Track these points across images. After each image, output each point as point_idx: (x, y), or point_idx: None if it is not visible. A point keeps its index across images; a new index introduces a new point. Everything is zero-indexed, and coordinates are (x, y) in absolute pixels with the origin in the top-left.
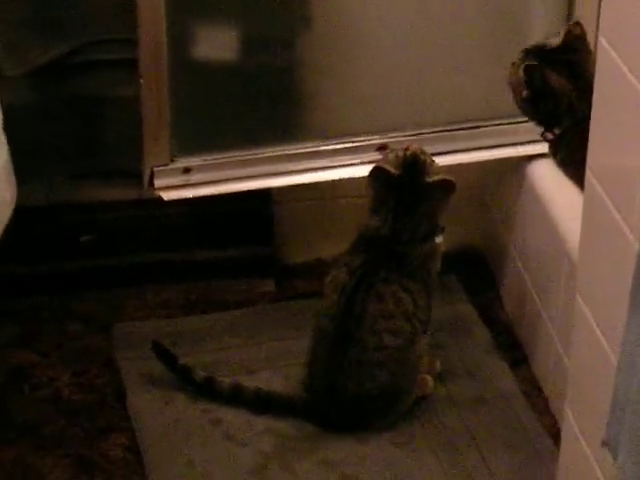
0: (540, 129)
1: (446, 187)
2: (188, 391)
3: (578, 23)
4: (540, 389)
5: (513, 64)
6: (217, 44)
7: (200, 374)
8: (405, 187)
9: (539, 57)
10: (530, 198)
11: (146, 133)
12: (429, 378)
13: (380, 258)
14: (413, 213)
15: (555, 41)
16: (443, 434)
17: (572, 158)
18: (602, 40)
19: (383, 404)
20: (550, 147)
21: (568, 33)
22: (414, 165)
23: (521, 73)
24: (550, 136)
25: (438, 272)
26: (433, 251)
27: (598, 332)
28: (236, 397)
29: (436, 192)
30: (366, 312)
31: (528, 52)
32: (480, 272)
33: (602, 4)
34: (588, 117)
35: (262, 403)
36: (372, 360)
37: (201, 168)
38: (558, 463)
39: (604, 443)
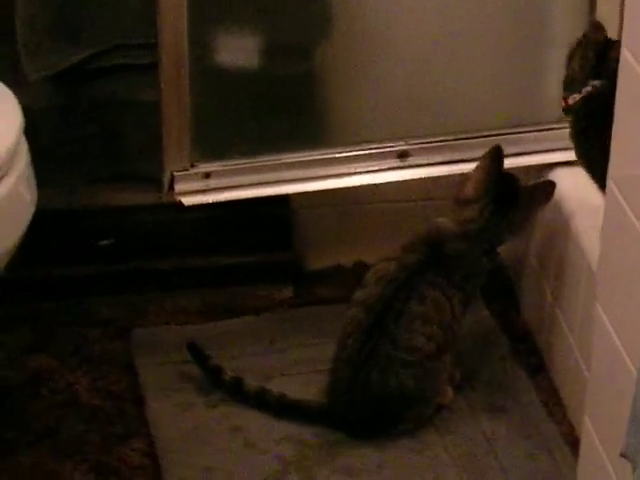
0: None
1: (546, 189)
2: (207, 397)
3: None
4: (559, 397)
5: None
6: (238, 50)
7: (229, 375)
8: (506, 184)
9: None
10: (551, 206)
11: (166, 138)
12: (449, 388)
13: (432, 261)
14: (508, 212)
15: None
16: (461, 442)
17: (585, 136)
18: (625, 51)
19: (402, 409)
20: (570, 125)
21: None
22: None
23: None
24: (568, 101)
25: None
26: (485, 267)
27: (618, 342)
28: (261, 400)
29: (534, 196)
30: (407, 309)
31: None
32: (499, 280)
33: (625, 16)
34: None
35: (285, 408)
36: (400, 358)
37: (221, 173)
38: (576, 472)
39: (623, 454)
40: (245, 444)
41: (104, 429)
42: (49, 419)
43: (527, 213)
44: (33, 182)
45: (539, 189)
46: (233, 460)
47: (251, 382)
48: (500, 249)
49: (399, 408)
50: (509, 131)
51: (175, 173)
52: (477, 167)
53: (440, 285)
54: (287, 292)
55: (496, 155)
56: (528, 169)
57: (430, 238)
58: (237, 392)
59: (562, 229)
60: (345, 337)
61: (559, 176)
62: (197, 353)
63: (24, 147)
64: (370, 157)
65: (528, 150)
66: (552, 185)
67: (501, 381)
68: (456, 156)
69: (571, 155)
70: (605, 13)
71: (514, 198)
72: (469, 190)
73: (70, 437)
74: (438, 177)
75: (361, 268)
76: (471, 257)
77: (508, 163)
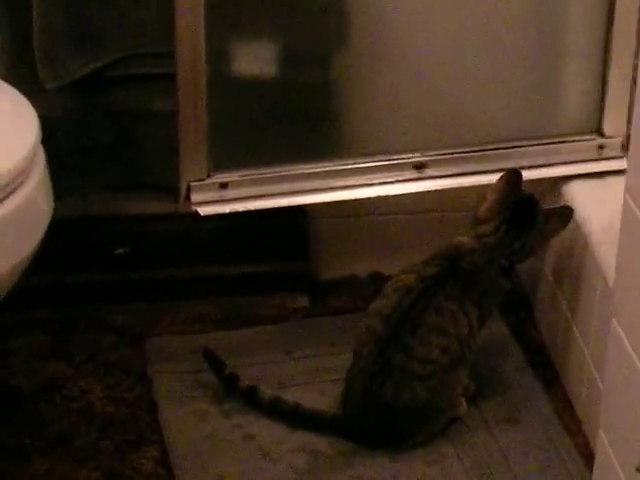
0: None
1: (565, 214)
2: (221, 406)
3: None
4: (573, 410)
5: None
6: (255, 59)
7: (245, 383)
8: (523, 207)
9: None
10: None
11: (183, 148)
12: (463, 400)
13: (450, 274)
14: (523, 233)
15: None
16: (475, 454)
17: None
18: None
19: (416, 421)
20: None
21: None
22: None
23: None
24: None
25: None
26: (502, 287)
27: (634, 357)
28: (275, 409)
29: (550, 220)
30: (423, 321)
31: None
32: (514, 291)
33: None
34: None
35: (299, 418)
36: (415, 371)
37: (238, 184)
38: None
39: (639, 469)
40: (259, 453)
41: (117, 437)
42: (63, 426)
43: (542, 237)
44: (50, 191)
45: (557, 214)
46: (247, 469)
47: (266, 391)
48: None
49: (412, 420)
50: (526, 143)
51: (191, 183)
52: (493, 189)
53: (457, 299)
54: (302, 302)
55: (512, 178)
56: (544, 181)
57: (449, 253)
58: (252, 400)
59: (578, 242)
60: (360, 347)
61: (575, 189)
62: (213, 360)
63: (41, 156)
64: (386, 168)
65: (545, 162)
66: (570, 211)
67: (515, 393)
68: (473, 168)
69: (589, 167)
70: (622, 24)
71: (530, 221)
72: (483, 211)
73: (83, 444)
74: (454, 189)
75: (376, 279)
76: (488, 273)
77: (524, 175)
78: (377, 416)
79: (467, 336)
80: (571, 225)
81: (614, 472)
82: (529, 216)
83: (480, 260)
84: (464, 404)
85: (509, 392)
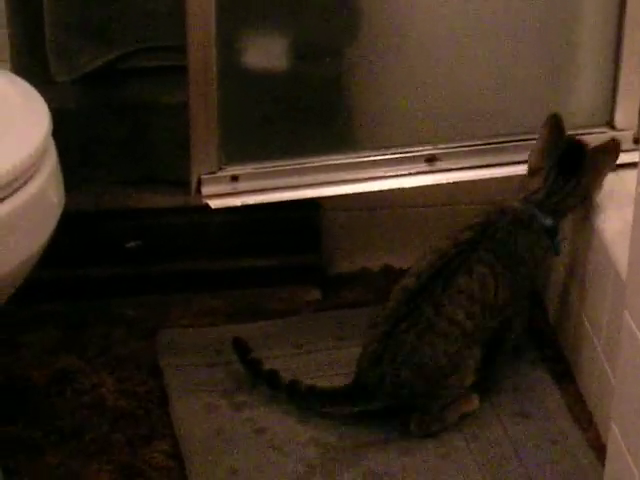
0: None
1: (611, 149)
2: (232, 399)
3: None
4: (585, 403)
5: None
6: (266, 52)
7: (266, 367)
8: (571, 150)
9: None
10: (578, 211)
11: (194, 140)
12: (475, 395)
13: (486, 238)
14: (572, 176)
15: None
16: (487, 447)
17: None
18: None
19: (428, 385)
20: None
21: None
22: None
23: None
24: None
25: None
26: (543, 249)
27: None
28: (292, 390)
29: (598, 158)
30: (454, 281)
31: None
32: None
33: None
34: None
35: (314, 397)
36: (440, 327)
37: (249, 176)
38: (602, 479)
39: None
40: (270, 446)
41: (129, 430)
42: (74, 420)
43: (593, 176)
44: (61, 184)
45: (603, 150)
46: (258, 462)
47: (284, 375)
48: None
49: (422, 386)
50: (534, 136)
51: (203, 176)
52: (538, 137)
53: (490, 262)
54: (314, 295)
55: (553, 123)
56: None
57: (488, 218)
58: (271, 384)
59: (589, 234)
60: (390, 303)
61: None
62: (239, 345)
63: (52, 149)
64: (398, 161)
65: None
66: (616, 143)
67: (527, 387)
68: (485, 161)
69: None
70: (634, 17)
71: (579, 162)
72: (532, 161)
73: (95, 438)
74: (466, 182)
75: (388, 272)
76: (529, 232)
77: None
78: (391, 368)
79: (491, 303)
80: (583, 217)
81: (626, 465)
82: (577, 158)
83: (524, 215)
84: (476, 399)
85: (521, 386)
